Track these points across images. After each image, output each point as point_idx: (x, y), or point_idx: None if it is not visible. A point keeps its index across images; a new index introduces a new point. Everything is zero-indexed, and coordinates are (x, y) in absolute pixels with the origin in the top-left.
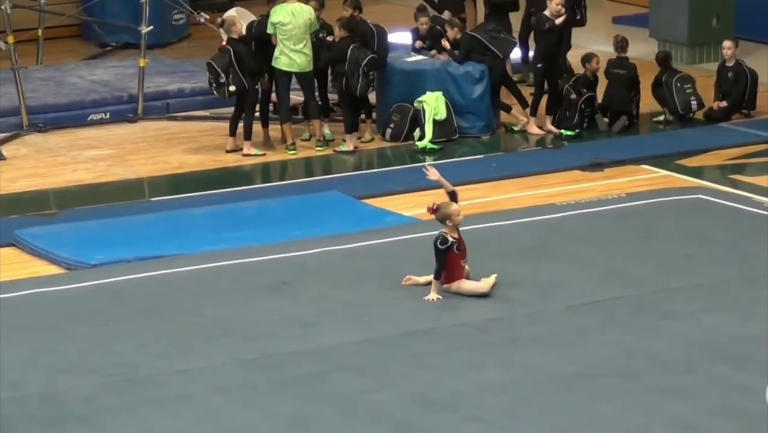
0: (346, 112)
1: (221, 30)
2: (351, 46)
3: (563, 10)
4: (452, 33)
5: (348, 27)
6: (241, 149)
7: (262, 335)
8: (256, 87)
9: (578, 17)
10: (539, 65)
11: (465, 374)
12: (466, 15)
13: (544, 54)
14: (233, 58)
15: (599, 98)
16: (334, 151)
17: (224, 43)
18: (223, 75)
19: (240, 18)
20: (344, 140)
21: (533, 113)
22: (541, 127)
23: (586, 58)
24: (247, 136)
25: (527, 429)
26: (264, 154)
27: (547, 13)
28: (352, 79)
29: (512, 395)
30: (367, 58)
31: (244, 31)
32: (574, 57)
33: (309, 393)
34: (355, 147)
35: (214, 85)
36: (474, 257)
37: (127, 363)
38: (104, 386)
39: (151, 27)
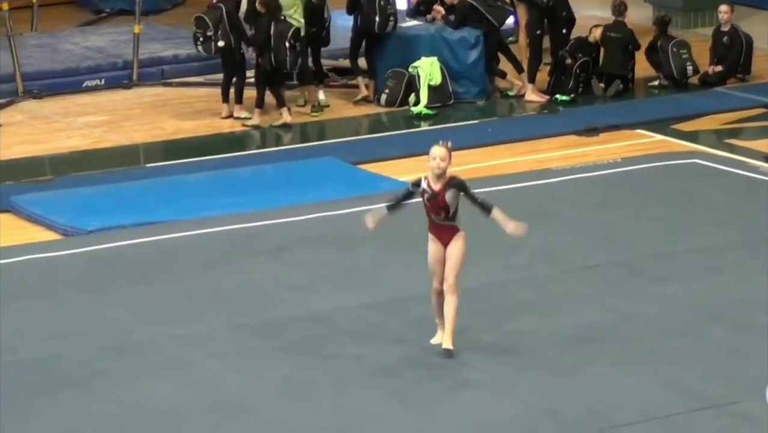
0: (260, 87)
1: None
2: (272, 21)
3: None
4: None
5: (265, 3)
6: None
7: (258, 301)
8: (242, 51)
9: None
10: (538, 32)
11: (461, 339)
12: None
13: (539, 21)
14: (224, 15)
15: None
16: (242, 125)
17: (215, 0)
18: (212, 28)
19: None
20: (280, 114)
21: (531, 80)
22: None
23: (593, 26)
24: (239, 99)
25: (522, 393)
26: (252, 117)
27: None
28: (279, 55)
29: (508, 359)
30: (291, 30)
31: None
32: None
33: (306, 358)
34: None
35: (200, 39)
36: (469, 224)
37: (123, 329)
38: (100, 351)
39: None
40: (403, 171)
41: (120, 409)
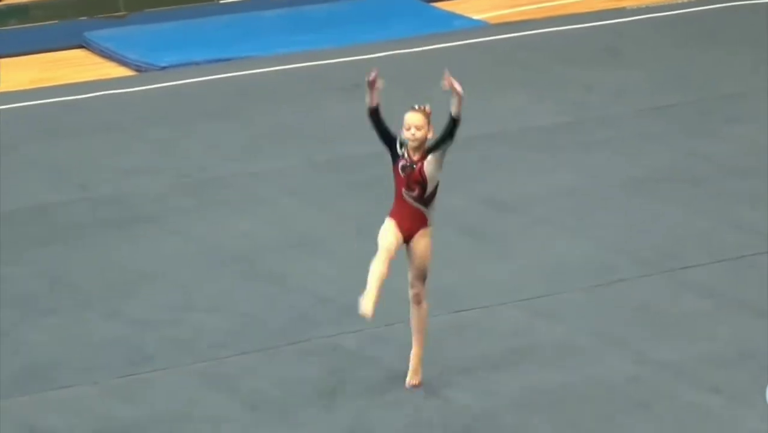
0: None
1: None
2: None
3: None
4: None
5: None
6: None
7: (334, 138)
8: None
9: None
10: None
11: (534, 178)
12: None
13: None
14: None
15: None
16: None
17: None
18: None
19: None
20: None
21: None
22: None
23: None
24: None
25: (595, 231)
26: None
27: None
28: None
29: (581, 198)
30: None
31: None
32: None
33: (379, 195)
34: None
35: None
36: (543, 62)
37: (197, 165)
38: (174, 187)
39: None
40: (476, 9)
41: (194, 244)
